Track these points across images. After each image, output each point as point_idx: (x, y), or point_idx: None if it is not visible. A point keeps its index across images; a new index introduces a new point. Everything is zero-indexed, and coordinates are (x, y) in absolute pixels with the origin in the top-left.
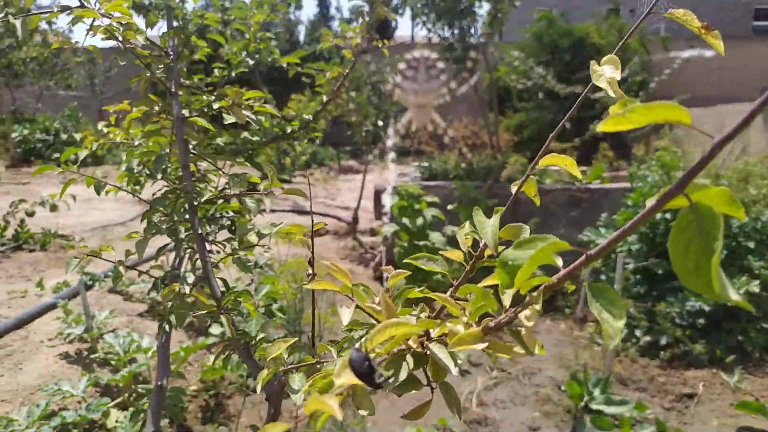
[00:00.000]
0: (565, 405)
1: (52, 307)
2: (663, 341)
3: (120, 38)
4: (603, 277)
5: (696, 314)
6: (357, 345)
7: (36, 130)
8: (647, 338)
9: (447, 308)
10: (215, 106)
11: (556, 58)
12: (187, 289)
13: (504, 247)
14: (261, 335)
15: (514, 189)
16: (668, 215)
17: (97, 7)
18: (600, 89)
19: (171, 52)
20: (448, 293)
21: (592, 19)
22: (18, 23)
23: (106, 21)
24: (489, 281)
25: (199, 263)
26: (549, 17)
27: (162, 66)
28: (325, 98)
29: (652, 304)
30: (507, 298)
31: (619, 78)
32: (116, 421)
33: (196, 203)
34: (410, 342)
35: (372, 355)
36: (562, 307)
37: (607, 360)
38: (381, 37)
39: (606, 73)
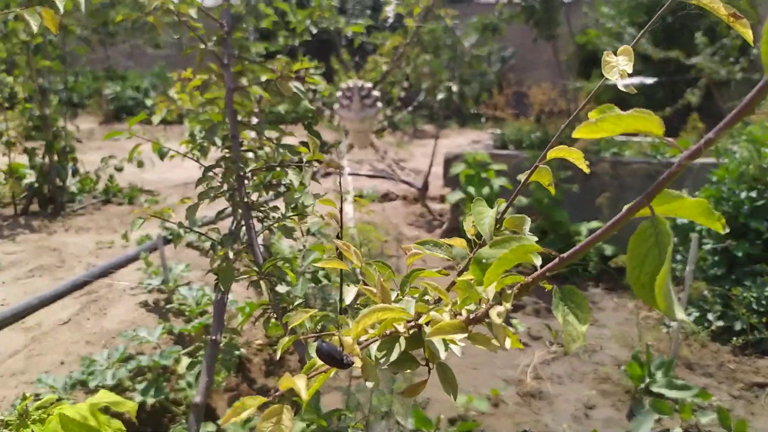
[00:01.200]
0: (624, 385)
1: (135, 258)
2: (737, 327)
3: (175, 11)
4: (678, 257)
5: None
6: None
7: (128, 87)
8: (720, 323)
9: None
10: (263, 78)
11: (652, 19)
12: (232, 255)
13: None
14: (299, 300)
15: (522, 178)
16: (753, 194)
17: None
18: (698, 52)
19: (225, 24)
20: (453, 278)
21: None
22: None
23: None
24: (468, 275)
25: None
26: None
27: (216, 38)
28: (385, 68)
29: (729, 288)
30: (489, 293)
31: (630, 70)
32: (185, 368)
33: (242, 173)
34: (400, 327)
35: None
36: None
37: (673, 342)
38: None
39: (619, 63)
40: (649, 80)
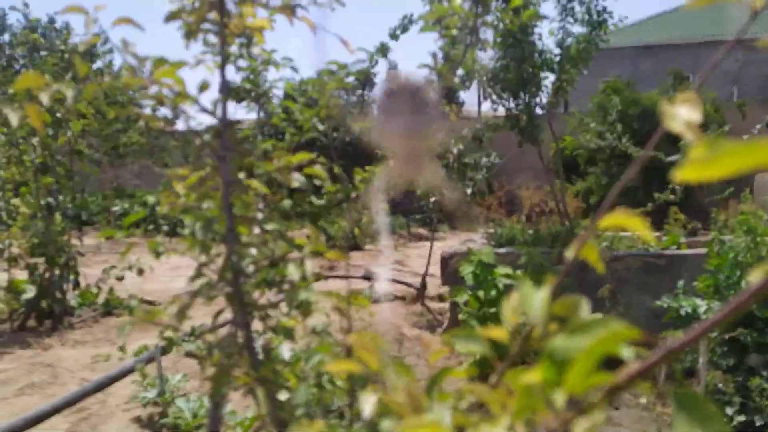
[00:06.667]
0: None
1: (131, 371)
2: (759, 422)
3: (170, 106)
4: (688, 348)
5: None
6: None
7: (135, 204)
8: (741, 417)
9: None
10: (261, 171)
11: (625, 126)
12: (226, 360)
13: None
14: (301, 411)
15: (570, 254)
16: None
17: (146, 75)
18: (674, 152)
19: (221, 117)
20: (493, 379)
21: (658, 88)
22: (69, 94)
23: (155, 89)
24: (534, 376)
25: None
26: (615, 86)
27: (212, 132)
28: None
29: (745, 379)
30: (559, 399)
31: (699, 119)
32: None
33: (239, 270)
34: None
35: None
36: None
37: None
38: (448, 102)
39: (681, 115)
40: None
